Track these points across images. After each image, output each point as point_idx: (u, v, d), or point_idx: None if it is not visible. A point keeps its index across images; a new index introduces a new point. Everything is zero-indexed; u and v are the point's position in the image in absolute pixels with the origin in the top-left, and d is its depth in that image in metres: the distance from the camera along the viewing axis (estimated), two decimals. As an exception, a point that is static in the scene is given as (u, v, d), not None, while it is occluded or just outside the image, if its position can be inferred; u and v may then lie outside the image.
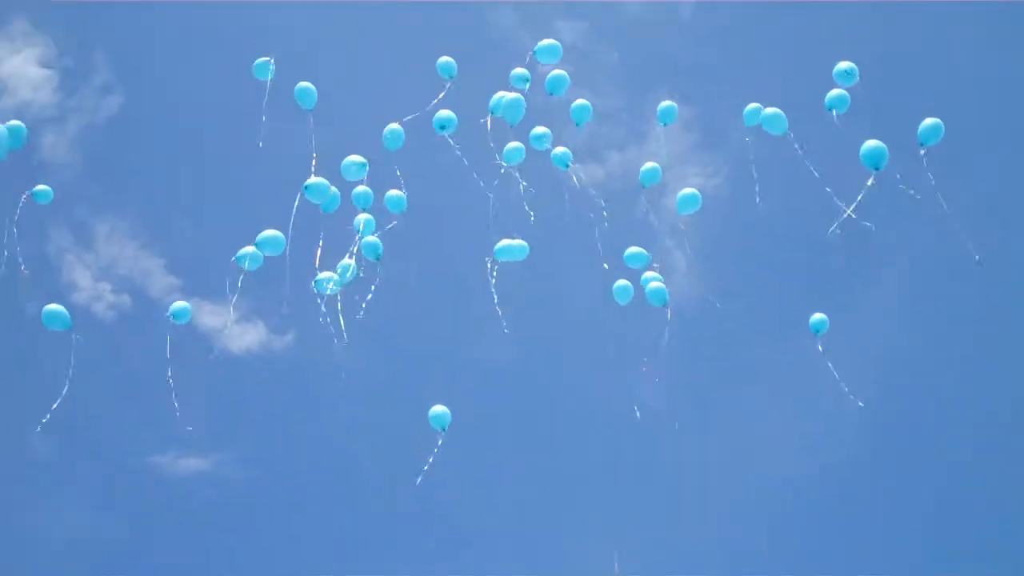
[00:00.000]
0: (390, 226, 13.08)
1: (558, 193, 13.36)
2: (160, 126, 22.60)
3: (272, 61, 12.94)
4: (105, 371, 21.13)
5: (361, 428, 21.40)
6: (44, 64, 21.98)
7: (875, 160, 12.76)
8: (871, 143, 12.74)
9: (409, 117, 12.92)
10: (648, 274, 13.62)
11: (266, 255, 12.64)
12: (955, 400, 21.56)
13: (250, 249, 12.60)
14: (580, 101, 13.28)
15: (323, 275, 12.80)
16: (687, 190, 13.50)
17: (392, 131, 13.08)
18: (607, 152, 22.17)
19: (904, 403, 21.31)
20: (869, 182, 12.23)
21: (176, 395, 12.69)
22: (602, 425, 21.28)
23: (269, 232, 12.65)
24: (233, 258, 12.56)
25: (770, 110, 13.19)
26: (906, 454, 21.38)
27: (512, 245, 13.10)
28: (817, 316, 13.46)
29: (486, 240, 13.09)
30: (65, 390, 12.53)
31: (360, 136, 13.38)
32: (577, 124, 13.23)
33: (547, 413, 22.32)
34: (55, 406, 12.61)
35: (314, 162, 12.80)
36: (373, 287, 12.93)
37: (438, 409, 13.13)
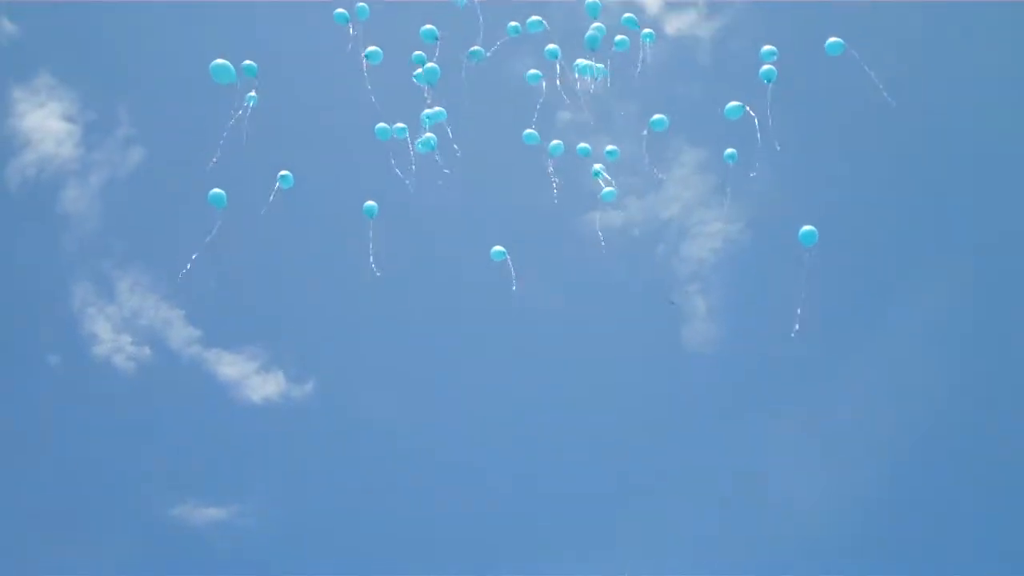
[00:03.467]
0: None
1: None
2: (181, 178, 22.78)
3: (254, 92, 13.21)
4: (126, 422, 21.21)
5: (380, 477, 21.35)
6: (67, 118, 22.25)
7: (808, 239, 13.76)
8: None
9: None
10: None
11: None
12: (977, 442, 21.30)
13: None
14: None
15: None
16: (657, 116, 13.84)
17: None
18: (627, 199, 22.22)
19: (928, 445, 21.08)
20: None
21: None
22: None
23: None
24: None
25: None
26: (927, 500, 21.11)
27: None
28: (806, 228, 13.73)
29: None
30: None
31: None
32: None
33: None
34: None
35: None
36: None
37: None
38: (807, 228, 13.96)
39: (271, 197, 13.22)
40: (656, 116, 13.89)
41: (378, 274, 13.27)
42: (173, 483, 20.86)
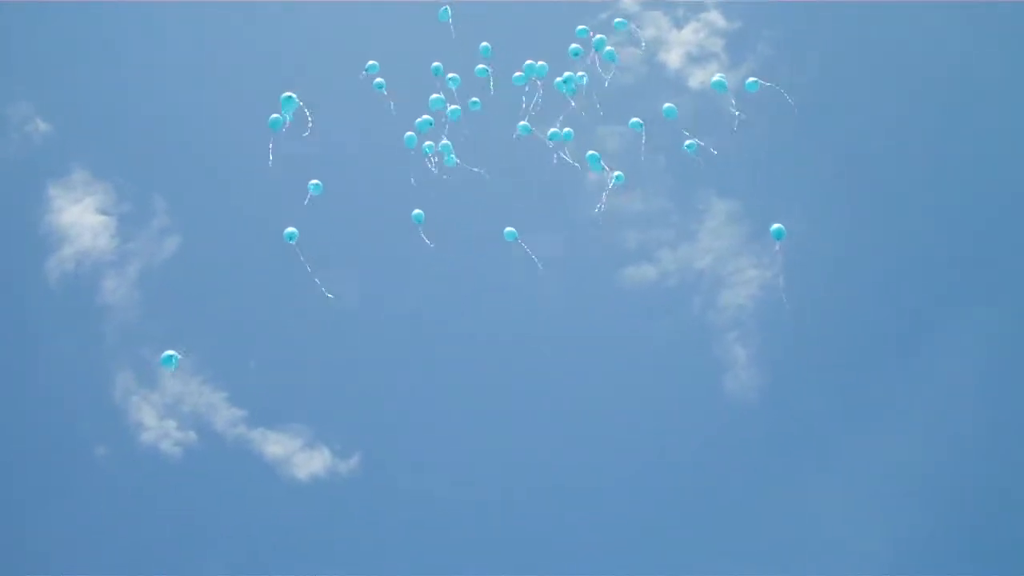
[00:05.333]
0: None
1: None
2: (216, 264, 23.04)
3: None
4: (174, 507, 21.22)
5: (429, 550, 21.22)
6: (103, 211, 22.62)
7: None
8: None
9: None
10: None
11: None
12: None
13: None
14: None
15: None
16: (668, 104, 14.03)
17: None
18: (659, 252, 22.27)
19: (977, 486, 20.78)
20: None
21: None
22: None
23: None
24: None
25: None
26: (978, 541, 20.77)
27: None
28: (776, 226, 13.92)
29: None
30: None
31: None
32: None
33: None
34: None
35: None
36: None
37: None
38: (776, 226, 14.01)
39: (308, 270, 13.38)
40: (667, 105, 14.12)
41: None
42: (226, 566, 20.81)
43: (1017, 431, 20.85)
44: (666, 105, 14.13)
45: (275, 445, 21.44)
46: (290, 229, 13.55)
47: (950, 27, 23.30)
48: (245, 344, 22.32)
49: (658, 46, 22.72)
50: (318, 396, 22.20)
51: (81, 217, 22.38)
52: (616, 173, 14.11)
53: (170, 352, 13.16)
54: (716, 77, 14.27)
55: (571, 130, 14.23)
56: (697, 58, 22.65)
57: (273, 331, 22.51)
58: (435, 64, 14.21)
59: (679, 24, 23.21)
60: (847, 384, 21.86)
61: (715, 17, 23.27)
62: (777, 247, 14.01)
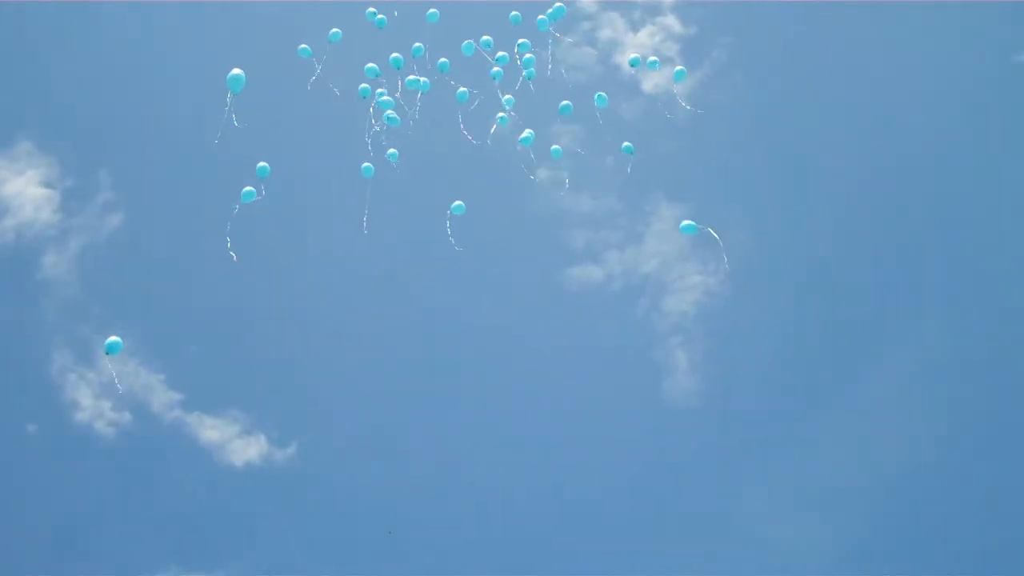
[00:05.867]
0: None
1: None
2: (161, 243, 22.79)
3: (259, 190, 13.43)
4: (106, 488, 20.98)
5: (365, 542, 21.16)
6: (47, 184, 22.27)
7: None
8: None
9: None
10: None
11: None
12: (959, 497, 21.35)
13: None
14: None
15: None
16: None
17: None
18: (606, 254, 22.34)
19: (909, 492, 21.12)
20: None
21: None
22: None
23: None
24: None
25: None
26: (910, 546, 21.11)
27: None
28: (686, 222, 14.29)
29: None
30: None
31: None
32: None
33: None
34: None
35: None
36: None
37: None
38: (687, 222, 14.30)
39: (232, 253, 13.29)
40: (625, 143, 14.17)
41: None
42: (157, 550, 20.61)
43: (953, 439, 21.24)
44: (625, 144, 14.33)
45: (211, 430, 21.26)
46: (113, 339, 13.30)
47: (907, 33, 23.66)
48: (185, 327, 22.12)
49: (613, 48, 22.81)
50: (257, 383, 22.06)
51: (24, 189, 22.04)
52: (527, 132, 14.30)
53: (115, 339, 12.97)
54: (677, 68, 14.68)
55: (532, 132, 14.34)
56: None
57: (214, 316, 22.32)
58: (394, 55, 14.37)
59: (635, 27, 23.32)
60: (786, 391, 22.11)
61: (671, 21, 23.40)
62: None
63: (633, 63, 14.76)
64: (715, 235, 13.80)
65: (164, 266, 22.48)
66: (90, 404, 21.21)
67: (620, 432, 21.94)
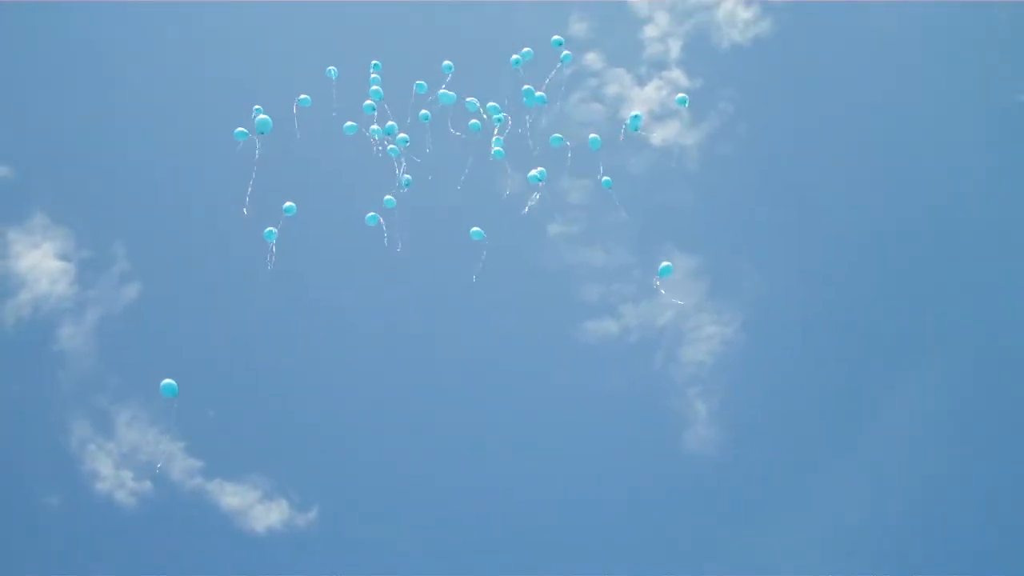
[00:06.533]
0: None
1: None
2: (177, 313, 22.89)
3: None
4: (129, 558, 20.90)
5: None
6: (62, 257, 22.45)
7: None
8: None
9: None
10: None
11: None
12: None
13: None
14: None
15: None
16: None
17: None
18: (621, 307, 22.40)
19: (928, 538, 21.00)
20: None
21: None
22: None
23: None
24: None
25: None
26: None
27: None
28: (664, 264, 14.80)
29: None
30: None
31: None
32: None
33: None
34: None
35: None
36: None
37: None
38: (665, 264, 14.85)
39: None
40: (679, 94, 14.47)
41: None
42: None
43: (965, 482, 21.15)
44: (604, 178, 14.48)
45: (232, 496, 21.22)
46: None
47: (914, 83, 23.83)
48: (204, 394, 22.15)
49: (620, 103, 23.02)
50: (277, 448, 22.04)
51: (40, 262, 22.20)
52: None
53: (170, 381, 13.15)
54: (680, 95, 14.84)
55: (544, 169, 14.49)
56: (659, 116, 22.97)
57: (233, 381, 22.37)
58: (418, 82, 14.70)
59: (642, 82, 23.54)
60: (804, 439, 22.06)
61: (677, 75, 23.63)
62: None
63: (633, 126, 14.89)
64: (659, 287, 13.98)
65: (180, 333, 22.59)
66: (110, 474, 21.22)
67: (642, 483, 21.90)
